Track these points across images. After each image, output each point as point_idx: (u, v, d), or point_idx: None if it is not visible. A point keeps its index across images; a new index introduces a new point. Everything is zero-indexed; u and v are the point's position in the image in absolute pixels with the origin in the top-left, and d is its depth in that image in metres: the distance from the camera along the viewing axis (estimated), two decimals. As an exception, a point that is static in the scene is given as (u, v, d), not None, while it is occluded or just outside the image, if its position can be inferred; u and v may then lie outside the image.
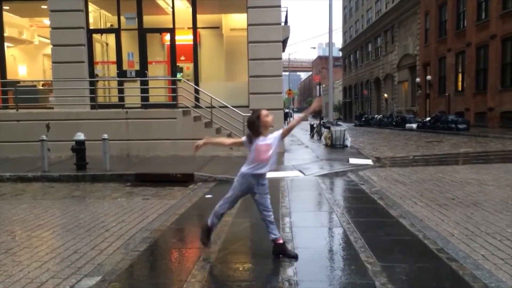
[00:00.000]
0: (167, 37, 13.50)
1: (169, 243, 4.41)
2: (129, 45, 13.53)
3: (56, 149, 10.30)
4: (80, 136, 8.92)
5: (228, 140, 4.20)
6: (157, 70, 13.93)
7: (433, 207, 5.58)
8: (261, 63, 12.50)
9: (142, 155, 11.32)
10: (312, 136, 20.09)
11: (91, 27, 13.28)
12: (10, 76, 13.82)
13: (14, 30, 14.82)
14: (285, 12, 28.16)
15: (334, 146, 13.93)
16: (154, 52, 13.97)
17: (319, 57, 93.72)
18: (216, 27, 14.41)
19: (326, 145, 14.68)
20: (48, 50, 13.53)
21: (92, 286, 3.17)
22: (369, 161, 10.42)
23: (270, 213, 3.69)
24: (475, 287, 3.06)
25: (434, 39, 29.97)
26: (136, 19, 12.98)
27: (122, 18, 13.10)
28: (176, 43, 13.22)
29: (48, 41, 13.45)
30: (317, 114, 26.64)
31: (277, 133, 3.68)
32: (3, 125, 11.47)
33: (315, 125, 20.58)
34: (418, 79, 32.44)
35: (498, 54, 22.21)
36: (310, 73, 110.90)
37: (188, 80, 12.96)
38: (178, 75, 13.26)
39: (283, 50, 13.95)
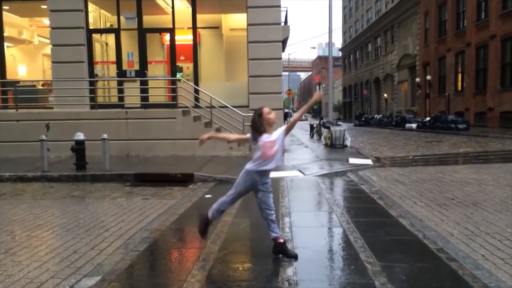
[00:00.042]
0: (167, 37, 13.50)
1: (168, 243, 4.41)
2: (129, 45, 13.53)
3: (56, 149, 10.29)
4: (80, 136, 8.92)
5: (233, 136, 4.23)
6: (157, 70, 13.93)
7: (433, 207, 5.58)
8: (261, 63, 12.50)
9: (141, 155, 11.32)
10: (311, 136, 20.10)
11: (90, 27, 13.28)
12: (9, 76, 13.82)
13: (14, 30, 14.81)
14: (285, 12, 28.23)
15: (334, 146, 13.93)
16: (153, 52, 13.97)
17: (319, 57, 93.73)
18: (216, 27, 14.41)
19: (326, 145, 14.68)
20: (48, 50, 13.53)
21: (92, 286, 3.17)
22: (368, 161, 10.42)
23: (272, 212, 3.70)
24: (475, 287, 3.06)
25: (434, 39, 29.98)
26: (136, 19, 12.98)
27: (121, 18, 13.09)
28: (176, 43, 13.22)
29: (48, 41, 13.45)
30: (317, 114, 26.67)
31: (281, 129, 3.71)
32: (3, 125, 11.46)
33: (314, 125, 20.59)
34: (418, 79, 32.46)
35: (497, 54, 22.23)
36: (310, 73, 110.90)
37: (187, 80, 12.96)
38: (178, 75, 13.25)
39: (283, 50, 13.96)
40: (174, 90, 12.08)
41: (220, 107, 11.77)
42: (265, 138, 3.60)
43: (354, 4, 55.58)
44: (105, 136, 8.91)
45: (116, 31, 13.37)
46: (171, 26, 13.11)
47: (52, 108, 12.58)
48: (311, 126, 21.17)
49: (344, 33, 61.96)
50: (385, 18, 41.00)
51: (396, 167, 9.74)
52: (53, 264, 3.68)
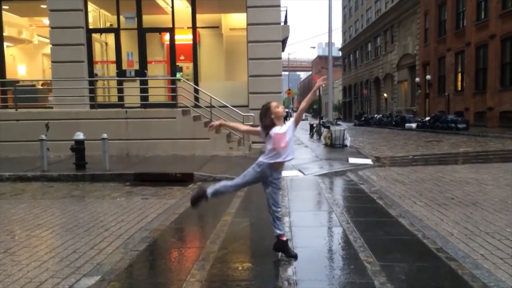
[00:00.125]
0: (167, 36, 13.51)
1: (168, 242, 4.41)
2: (129, 45, 13.53)
3: (56, 148, 10.29)
4: (80, 135, 8.91)
5: (244, 126, 4.26)
6: (157, 70, 13.93)
7: (433, 207, 5.58)
8: (261, 62, 12.50)
9: (141, 154, 11.32)
10: (311, 136, 20.11)
11: (90, 27, 13.27)
12: (9, 75, 13.83)
13: (14, 29, 14.81)
14: (285, 12, 28.13)
15: (334, 146, 13.93)
16: (153, 52, 13.98)
17: (319, 57, 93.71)
18: (216, 27, 14.41)
19: (326, 144, 14.68)
20: (48, 49, 13.53)
21: (91, 285, 3.17)
22: (368, 161, 10.42)
23: (279, 209, 3.72)
24: (474, 286, 3.06)
25: (433, 38, 29.97)
26: (136, 18, 12.99)
27: (121, 17, 13.10)
28: (176, 42, 13.22)
29: (48, 40, 13.45)
30: (317, 113, 26.66)
31: (290, 121, 3.74)
32: (3, 125, 11.46)
33: (314, 125, 20.60)
34: (417, 79, 32.46)
35: (497, 54, 22.22)
36: (310, 72, 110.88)
37: (187, 79, 12.96)
38: (178, 75, 13.25)
39: (283, 50, 13.96)
40: (174, 90, 12.08)
41: (220, 106, 11.78)
42: (276, 130, 3.62)
43: (354, 4, 55.55)
44: (104, 135, 8.91)
45: (115, 30, 13.37)
46: (171, 25, 13.11)
47: (51, 107, 12.58)
48: (311, 126, 21.19)
49: (344, 32, 61.95)
50: (385, 17, 40.99)
51: (396, 166, 9.74)
52: (53, 263, 3.68)
